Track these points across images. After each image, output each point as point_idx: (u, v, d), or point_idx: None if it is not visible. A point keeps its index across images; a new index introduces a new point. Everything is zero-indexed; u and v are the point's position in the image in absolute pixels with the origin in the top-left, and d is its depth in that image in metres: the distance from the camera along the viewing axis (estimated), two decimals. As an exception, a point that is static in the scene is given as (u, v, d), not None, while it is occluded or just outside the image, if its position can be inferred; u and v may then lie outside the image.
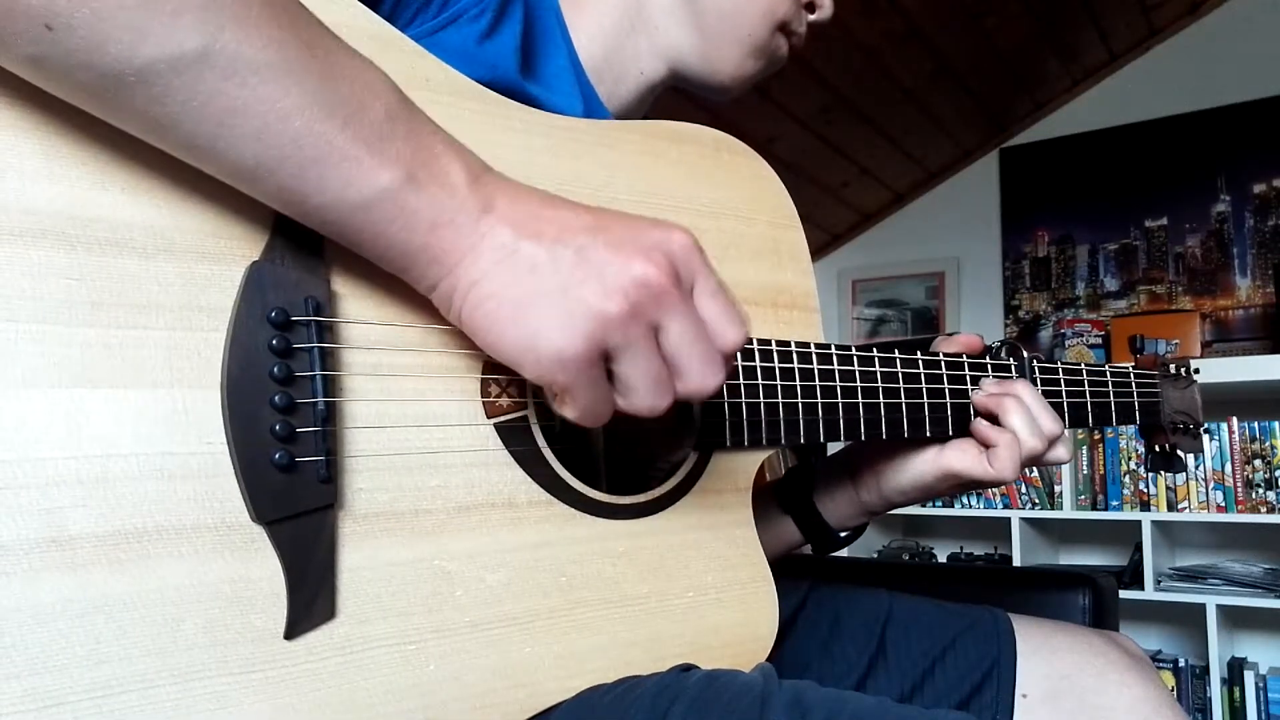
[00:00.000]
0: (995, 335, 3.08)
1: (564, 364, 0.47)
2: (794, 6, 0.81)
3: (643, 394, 0.49)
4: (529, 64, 0.72)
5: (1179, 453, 1.00)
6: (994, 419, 0.78)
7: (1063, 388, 0.87)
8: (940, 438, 0.80)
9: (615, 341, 0.47)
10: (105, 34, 0.38)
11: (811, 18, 0.84)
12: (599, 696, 0.55)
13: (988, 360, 0.81)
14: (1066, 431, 0.81)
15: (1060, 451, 0.78)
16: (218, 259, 0.47)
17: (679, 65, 0.82)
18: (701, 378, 0.49)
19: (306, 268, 0.49)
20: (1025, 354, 0.84)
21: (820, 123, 3.01)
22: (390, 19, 0.59)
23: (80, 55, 0.39)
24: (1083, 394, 0.89)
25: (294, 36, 0.42)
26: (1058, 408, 0.85)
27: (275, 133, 0.42)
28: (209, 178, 0.45)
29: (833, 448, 0.87)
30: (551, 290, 0.46)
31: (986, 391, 0.78)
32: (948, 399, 0.77)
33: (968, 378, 0.79)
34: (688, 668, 0.59)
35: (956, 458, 0.78)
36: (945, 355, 0.79)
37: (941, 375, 0.78)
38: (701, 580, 0.63)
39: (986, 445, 0.76)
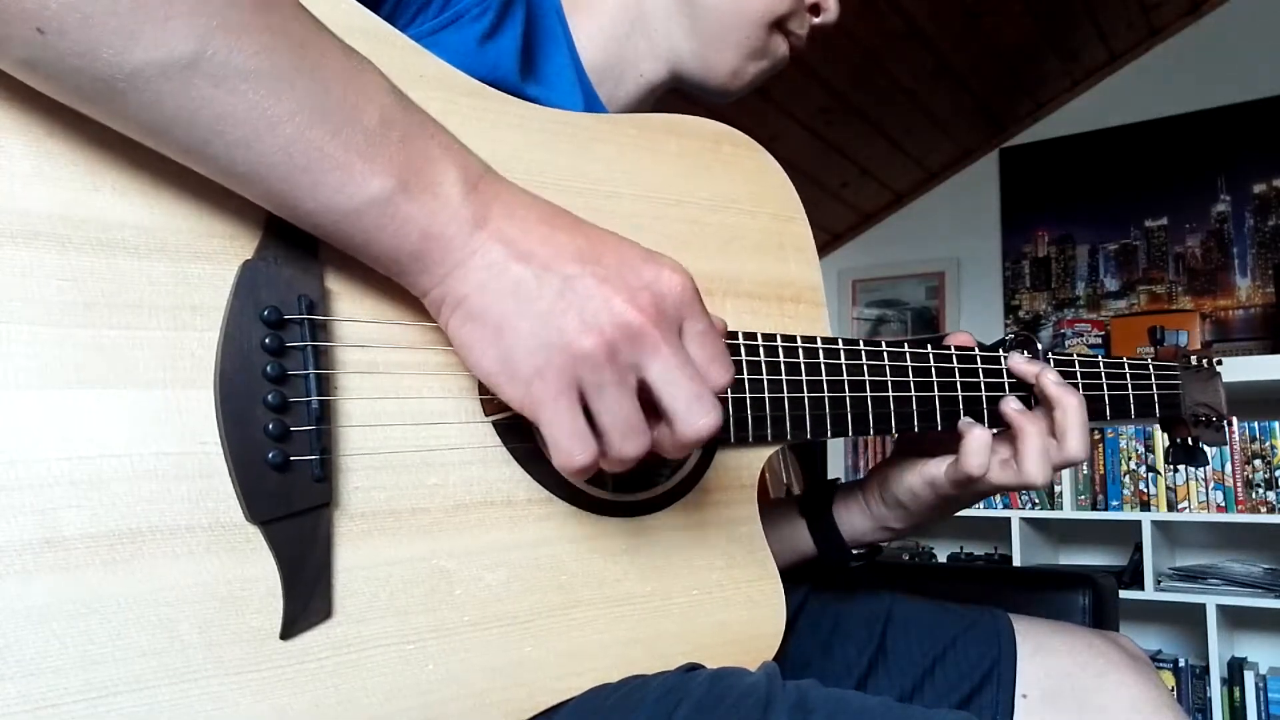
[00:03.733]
0: (995, 335, 3.08)
1: (531, 392, 0.46)
2: (794, 7, 0.81)
3: (614, 439, 0.48)
4: (530, 64, 0.72)
5: (1201, 445, 0.99)
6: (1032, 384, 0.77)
7: (1079, 380, 0.85)
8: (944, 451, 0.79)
9: (587, 379, 0.47)
10: (96, 38, 0.38)
11: (816, 20, 0.83)
12: (603, 697, 0.55)
13: (1001, 353, 0.80)
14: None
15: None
16: (210, 258, 0.47)
17: (678, 67, 0.82)
18: (690, 417, 0.48)
19: (300, 266, 0.48)
20: (1039, 346, 0.82)
21: (820, 123, 3.01)
22: (390, 19, 0.58)
23: (72, 59, 0.39)
24: (1100, 386, 0.87)
25: (285, 41, 0.42)
26: None
27: (265, 139, 0.42)
28: (200, 177, 0.45)
29: (833, 447, 0.86)
30: (532, 316, 0.46)
31: (1054, 381, 0.75)
32: (959, 391, 0.76)
33: (980, 370, 0.78)
34: (693, 667, 0.59)
35: (935, 464, 0.76)
36: (956, 347, 0.78)
37: (953, 369, 0.76)
38: (705, 578, 0.63)
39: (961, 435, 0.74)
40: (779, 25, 0.81)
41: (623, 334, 0.47)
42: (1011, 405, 0.76)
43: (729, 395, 0.64)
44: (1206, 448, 0.99)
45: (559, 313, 0.46)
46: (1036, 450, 0.73)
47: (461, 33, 0.65)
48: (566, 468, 0.48)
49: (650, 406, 0.49)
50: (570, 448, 0.47)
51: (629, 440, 0.48)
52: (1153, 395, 0.91)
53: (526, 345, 0.46)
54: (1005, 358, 0.80)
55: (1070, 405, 0.74)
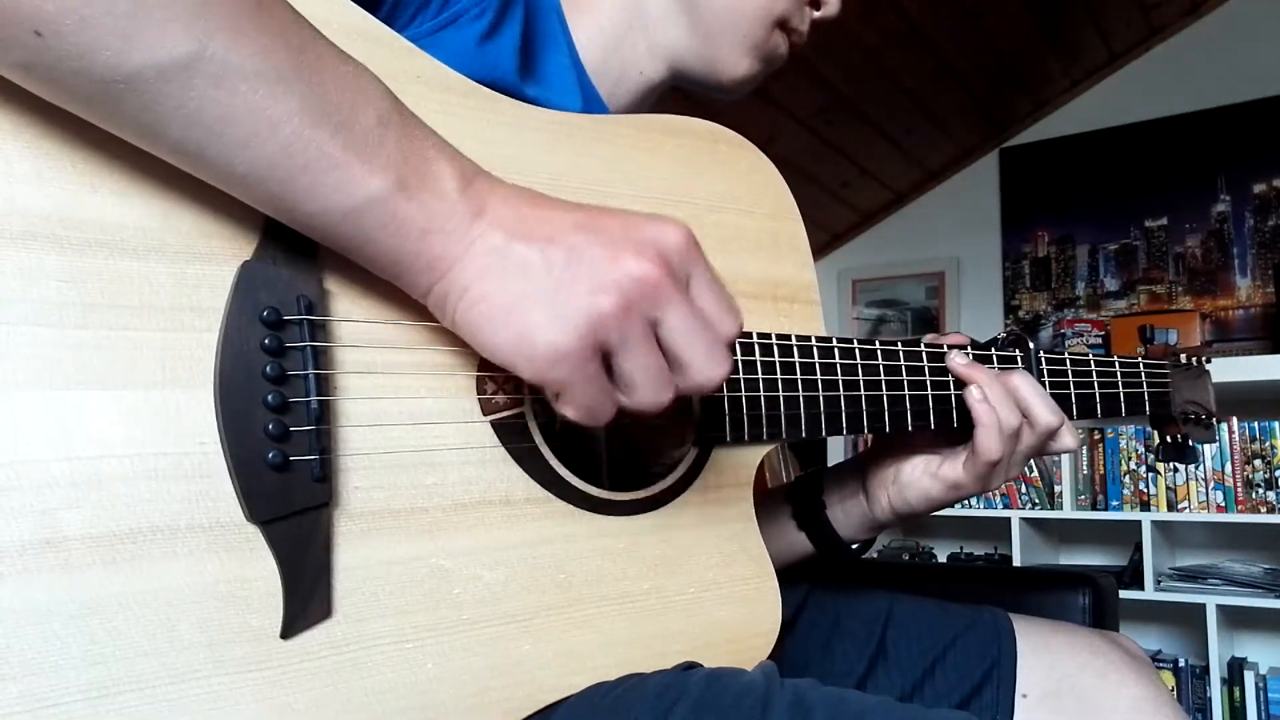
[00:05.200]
0: (1000, 331, 3.08)
1: (558, 361, 0.46)
2: (794, 3, 0.81)
3: (644, 390, 0.48)
4: (529, 64, 0.72)
5: (1191, 443, 0.99)
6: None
7: (1070, 379, 0.86)
8: (944, 444, 0.80)
9: (612, 338, 0.47)
10: (94, 40, 0.38)
11: (817, 15, 0.83)
12: (601, 695, 0.55)
13: (993, 352, 0.80)
14: (1068, 423, 0.80)
15: (1066, 440, 0.77)
16: (209, 259, 0.47)
17: (678, 65, 0.82)
18: (706, 368, 0.49)
19: (299, 267, 0.49)
20: (1030, 345, 0.83)
21: (820, 123, 3.01)
22: (389, 20, 0.59)
23: (69, 62, 0.39)
24: (1091, 385, 0.87)
25: (284, 43, 0.42)
26: (1064, 399, 0.85)
27: (264, 140, 0.42)
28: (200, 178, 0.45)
29: (833, 445, 0.87)
30: (544, 289, 0.46)
31: (965, 361, 0.76)
32: (952, 390, 0.77)
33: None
34: (690, 666, 0.59)
35: (951, 468, 0.77)
36: (949, 345, 0.78)
37: (944, 366, 0.77)
38: (703, 577, 0.63)
39: (975, 423, 0.75)
40: (780, 22, 0.80)
41: (639, 289, 0.47)
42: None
43: (725, 394, 0.64)
44: (1196, 446, 0.99)
45: (570, 281, 0.46)
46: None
47: (460, 33, 0.65)
48: (593, 424, 0.49)
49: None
50: (599, 410, 0.48)
51: (661, 389, 0.49)
52: (1143, 393, 0.92)
53: (542, 320, 0.46)
54: (994, 355, 0.80)
55: (981, 421, 0.74)
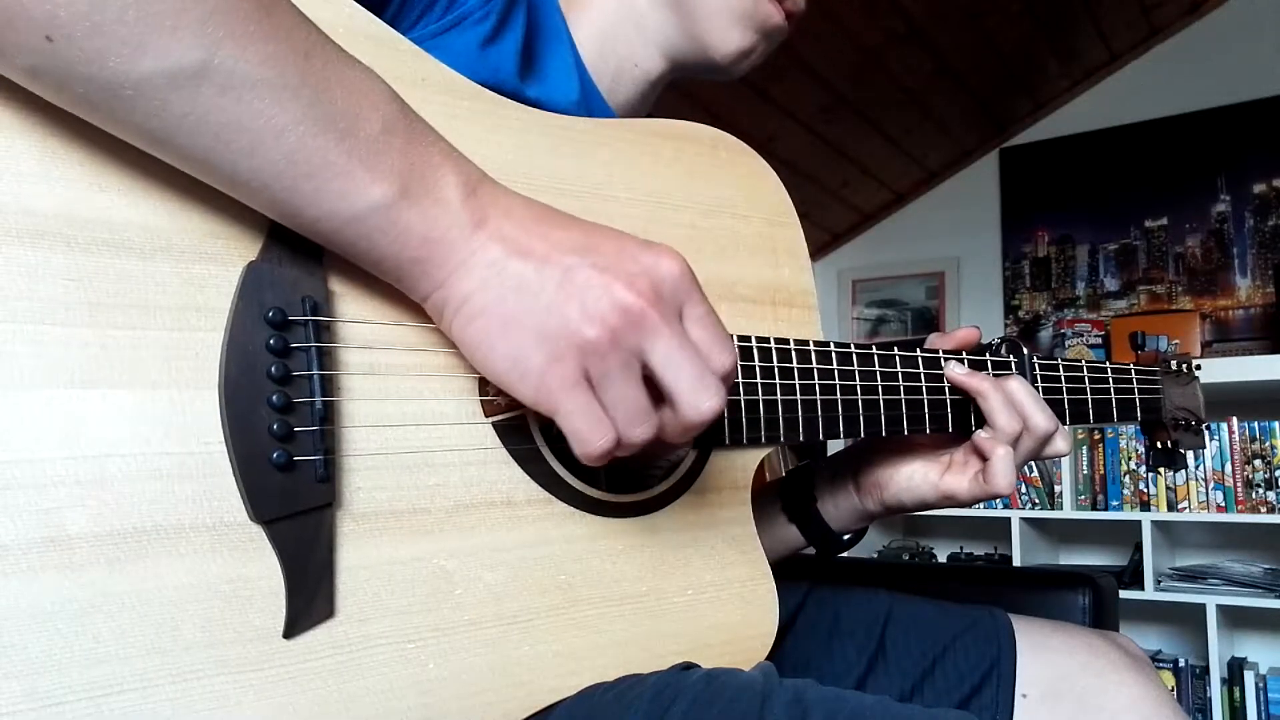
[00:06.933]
0: (995, 335, 3.09)
1: (544, 387, 0.47)
2: None
3: (621, 423, 0.48)
4: (530, 65, 0.72)
5: (1180, 449, 1.00)
6: (973, 400, 0.77)
7: (1063, 384, 0.86)
8: (939, 442, 0.80)
9: (594, 368, 0.47)
10: (104, 47, 0.39)
11: None
12: (599, 695, 0.56)
13: (987, 357, 0.81)
14: (1066, 426, 0.80)
15: (1059, 444, 0.78)
16: (215, 259, 0.47)
17: (672, 52, 0.81)
18: (694, 398, 0.48)
19: (304, 268, 0.49)
20: (1025, 350, 0.84)
21: (820, 123, 3.01)
22: (394, 22, 0.59)
23: (79, 67, 0.39)
24: (1083, 390, 0.88)
25: (290, 49, 0.42)
26: (1058, 404, 0.85)
27: (270, 148, 0.42)
28: None
29: (833, 446, 0.87)
30: (536, 311, 0.47)
31: (965, 370, 0.77)
32: (947, 395, 0.77)
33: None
34: (688, 666, 0.59)
35: (954, 481, 0.77)
36: (944, 352, 0.78)
37: (940, 373, 0.77)
38: (700, 578, 0.63)
39: (982, 457, 0.76)
40: None
41: (624, 320, 0.47)
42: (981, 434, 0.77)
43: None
44: (1185, 451, 1.00)
45: (561, 304, 0.47)
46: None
47: (464, 36, 0.65)
48: (588, 455, 0.48)
49: (655, 391, 0.49)
50: (590, 436, 0.47)
51: (635, 426, 0.48)
52: (1134, 399, 0.93)
53: (533, 341, 0.47)
54: (988, 360, 0.80)
55: (997, 455, 0.74)
